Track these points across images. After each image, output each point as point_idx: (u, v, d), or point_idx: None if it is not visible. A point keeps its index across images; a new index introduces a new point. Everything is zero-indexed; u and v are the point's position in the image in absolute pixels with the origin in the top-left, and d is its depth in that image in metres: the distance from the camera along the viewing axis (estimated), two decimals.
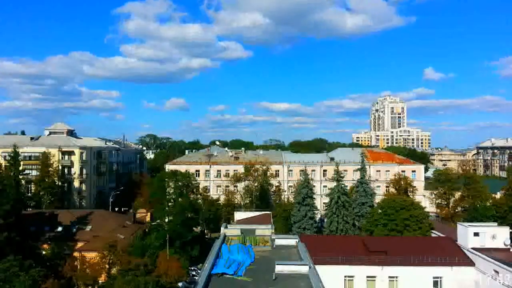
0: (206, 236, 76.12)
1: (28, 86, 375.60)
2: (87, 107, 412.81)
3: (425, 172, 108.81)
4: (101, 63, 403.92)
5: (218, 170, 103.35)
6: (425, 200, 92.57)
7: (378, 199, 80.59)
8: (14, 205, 49.47)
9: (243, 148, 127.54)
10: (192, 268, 58.76)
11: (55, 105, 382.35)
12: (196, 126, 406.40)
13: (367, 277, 47.24)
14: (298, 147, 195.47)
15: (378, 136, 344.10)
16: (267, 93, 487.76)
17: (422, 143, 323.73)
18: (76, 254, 54.38)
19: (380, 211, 64.41)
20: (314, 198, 77.54)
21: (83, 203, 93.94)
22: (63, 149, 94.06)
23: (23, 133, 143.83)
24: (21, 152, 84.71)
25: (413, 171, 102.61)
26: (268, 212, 73.26)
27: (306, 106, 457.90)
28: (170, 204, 61.46)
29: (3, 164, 77.95)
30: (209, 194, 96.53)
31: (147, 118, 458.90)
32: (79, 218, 63.99)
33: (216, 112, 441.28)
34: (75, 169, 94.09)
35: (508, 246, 47.65)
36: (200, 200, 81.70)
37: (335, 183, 74.07)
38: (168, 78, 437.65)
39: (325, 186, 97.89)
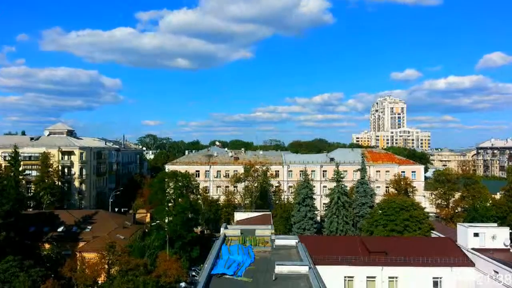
0: (208, 236, 76.08)
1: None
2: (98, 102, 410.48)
3: (425, 173, 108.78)
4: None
5: (218, 171, 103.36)
6: (425, 200, 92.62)
7: (378, 199, 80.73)
8: (14, 205, 49.50)
9: (243, 149, 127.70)
10: (192, 268, 58.81)
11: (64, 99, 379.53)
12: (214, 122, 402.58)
13: (367, 277, 47.33)
14: (297, 147, 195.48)
15: (378, 136, 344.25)
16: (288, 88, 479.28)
17: (422, 143, 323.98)
18: (76, 254, 54.35)
19: (380, 211, 64.49)
20: (314, 199, 77.62)
21: (83, 204, 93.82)
22: (63, 150, 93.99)
23: (23, 133, 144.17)
24: (21, 153, 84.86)
25: (413, 172, 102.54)
26: (268, 213, 73.30)
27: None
28: (170, 204, 61.40)
29: (3, 164, 78.20)
30: (209, 194, 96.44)
31: (163, 111, 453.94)
32: (79, 218, 63.92)
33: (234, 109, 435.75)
34: (75, 170, 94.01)
35: (508, 247, 47.72)
36: (200, 201, 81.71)
37: (335, 184, 74.14)
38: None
39: (325, 187, 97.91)
